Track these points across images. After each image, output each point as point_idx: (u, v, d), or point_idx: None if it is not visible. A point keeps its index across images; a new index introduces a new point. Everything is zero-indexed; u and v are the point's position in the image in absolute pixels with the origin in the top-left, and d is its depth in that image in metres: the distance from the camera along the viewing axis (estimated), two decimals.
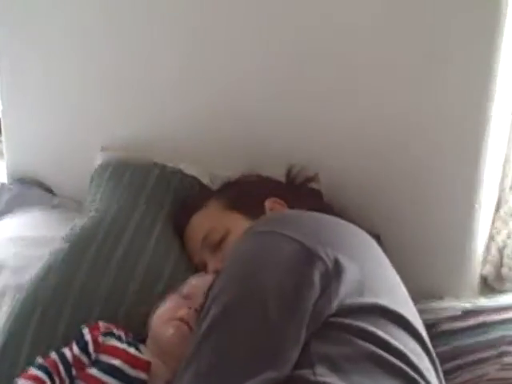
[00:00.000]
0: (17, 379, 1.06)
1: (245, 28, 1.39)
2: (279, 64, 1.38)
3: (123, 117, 1.58)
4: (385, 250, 1.02)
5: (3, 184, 1.74)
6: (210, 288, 0.91)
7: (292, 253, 0.87)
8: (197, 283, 1.16)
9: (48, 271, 1.23)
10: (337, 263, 0.86)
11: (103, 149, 1.56)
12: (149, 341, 1.14)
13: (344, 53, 1.32)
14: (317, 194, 1.34)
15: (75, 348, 1.09)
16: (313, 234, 0.91)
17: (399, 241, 1.30)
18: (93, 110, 1.60)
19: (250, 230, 0.97)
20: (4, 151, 1.79)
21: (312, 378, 0.78)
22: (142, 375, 1.06)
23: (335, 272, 0.85)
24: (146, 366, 1.07)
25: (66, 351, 1.10)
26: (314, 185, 1.35)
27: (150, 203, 1.35)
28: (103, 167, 1.48)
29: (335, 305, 0.84)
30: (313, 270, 0.84)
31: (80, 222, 1.33)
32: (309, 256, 0.86)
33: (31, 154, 1.75)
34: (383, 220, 1.32)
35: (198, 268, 1.26)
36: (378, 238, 1.09)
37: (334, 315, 0.84)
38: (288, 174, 1.36)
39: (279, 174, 1.36)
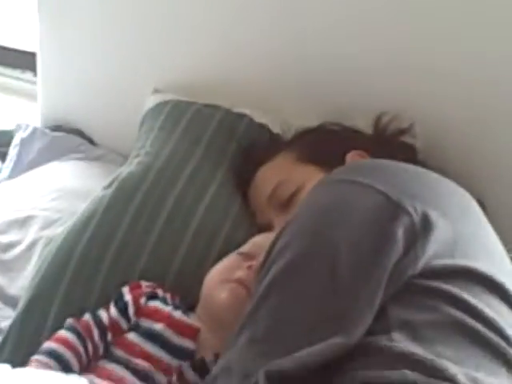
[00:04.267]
0: (44, 342, 1.08)
1: None
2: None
3: (178, 56, 1.59)
4: (489, 219, 1.01)
5: (36, 128, 1.77)
6: (273, 243, 0.91)
7: (374, 205, 0.88)
8: (260, 241, 1.16)
9: (86, 221, 1.25)
10: (425, 219, 0.86)
11: (156, 91, 1.58)
12: (199, 306, 1.14)
13: None
14: (410, 150, 1.33)
15: (113, 309, 1.11)
16: (400, 185, 0.92)
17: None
18: (143, 48, 1.62)
19: (327, 178, 0.99)
20: (38, 93, 1.83)
21: (387, 343, 0.78)
22: (189, 344, 1.06)
23: (423, 228, 0.86)
24: (193, 334, 1.07)
25: (102, 313, 1.11)
26: (407, 138, 1.34)
27: (208, 151, 1.37)
28: (156, 110, 1.49)
29: (421, 265, 0.84)
30: (397, 224, 0.85)
31: (126, 168, 1.35)
32: (393, 209, 0.86)
33: (70, 98, 1.79)
34: (490, 187, 1.31)
35: (263, 229, 1.27)
36: (481, 203, 1.07)
37: (418, 277, 0.84)
38: (376, 124, 1.35)
39: (366, 125, 1.35)
